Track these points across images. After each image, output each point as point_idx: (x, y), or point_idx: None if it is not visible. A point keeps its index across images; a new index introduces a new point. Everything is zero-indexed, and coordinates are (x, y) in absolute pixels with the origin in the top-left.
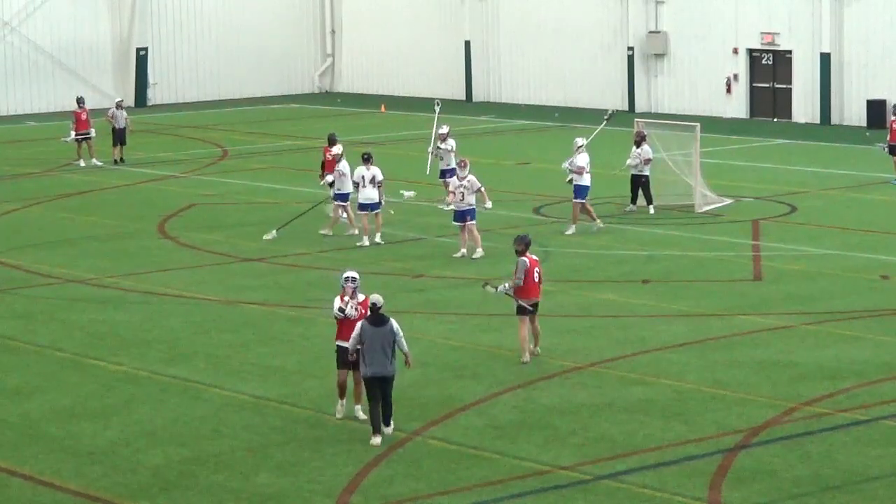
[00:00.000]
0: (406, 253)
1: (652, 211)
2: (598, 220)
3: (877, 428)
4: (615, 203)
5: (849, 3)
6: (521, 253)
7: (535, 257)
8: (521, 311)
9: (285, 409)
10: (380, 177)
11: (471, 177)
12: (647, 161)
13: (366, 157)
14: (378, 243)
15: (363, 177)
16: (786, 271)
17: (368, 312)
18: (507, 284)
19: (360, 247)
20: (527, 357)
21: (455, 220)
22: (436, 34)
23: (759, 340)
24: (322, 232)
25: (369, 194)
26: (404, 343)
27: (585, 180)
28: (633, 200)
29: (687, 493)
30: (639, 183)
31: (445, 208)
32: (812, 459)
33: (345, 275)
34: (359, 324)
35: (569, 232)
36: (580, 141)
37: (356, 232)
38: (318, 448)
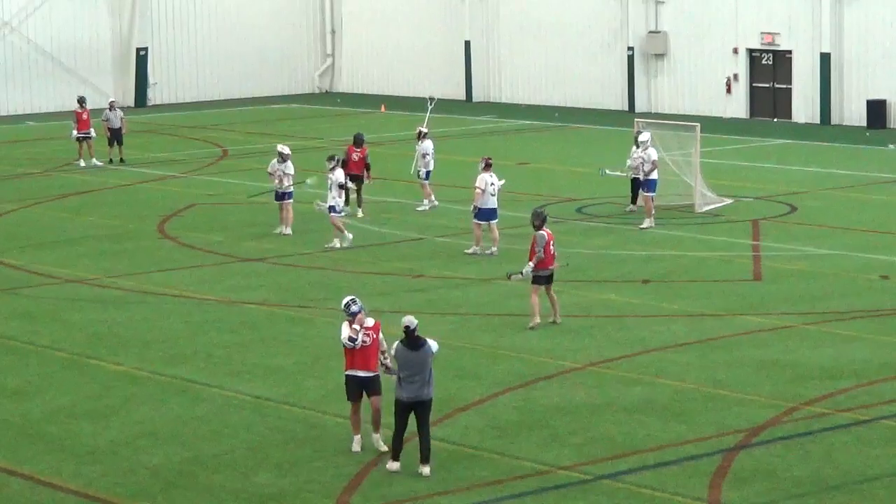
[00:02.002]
0: (406, 253)
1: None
2: (652, 219)
3: (877, 428)
4: (615, 203)
5: (849, 3)
6: (538, 228)
7: (549, 231)
8: (535, 280)
9: (285, 409)
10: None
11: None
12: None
13: (338, 159)
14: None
15: (347, 179)
16: (786, 271)
17: (374, 333)
18: (530, 264)
19: (332, 248)
20: (536, 321)
21: (485, 217)
22: (436, 34)
23: (759, 340)
24: (283, 232)
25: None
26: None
27: (655, 174)
28: (634, 200)
29: (687, 493)
30: (639, 183)
31: (421, 207)
32: (812, 459)
33: (344, 302)
34: (394, 345)
35: (644, 226)
36: (647, 135)
37: (289, 232)
38: (318, 448)
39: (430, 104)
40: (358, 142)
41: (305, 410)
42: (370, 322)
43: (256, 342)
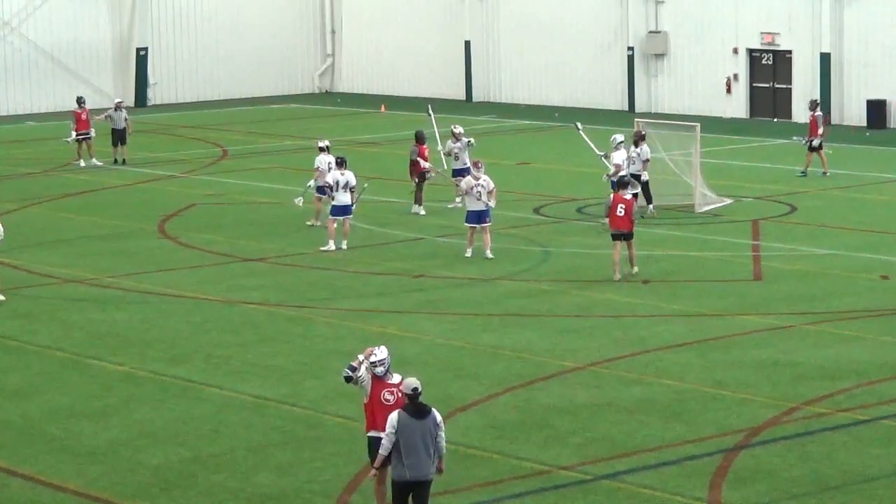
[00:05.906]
0: (406, 253)
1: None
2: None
3: (877, 428)
4: None
5: (849, 3)
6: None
7: (625, 195)
8: (612, 237)
9: (285, 409)
10: (353, 182)
11: (485, 177)
12: (646, 162)
13: (339, 161)
14: (342, 249)
15: (337, 181)
16: (786, 271)
17: (406, 399)
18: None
19: (325, 251)
20: (617, 276)
21: (470, 221)
22: (436, 34)
23: (759, 340)
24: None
25: (342, 199)
26: (444, 441)
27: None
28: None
29: (687, 493)
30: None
31: (452, 204)
32: (812, 459)
33: (372, 359)
34: (394, 414)
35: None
36: (619, 137)
37: (319, 223)
38: (318, 448)
39: (431, 113)
40: (421, 140)
41: (305, 410)
42: (397, 378)
43: (256, 342)
